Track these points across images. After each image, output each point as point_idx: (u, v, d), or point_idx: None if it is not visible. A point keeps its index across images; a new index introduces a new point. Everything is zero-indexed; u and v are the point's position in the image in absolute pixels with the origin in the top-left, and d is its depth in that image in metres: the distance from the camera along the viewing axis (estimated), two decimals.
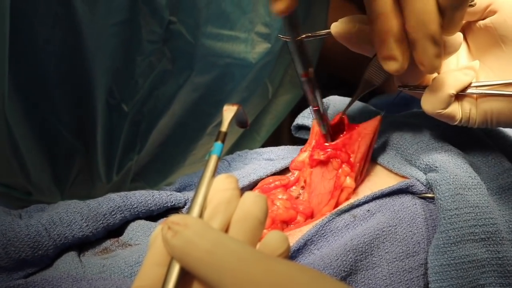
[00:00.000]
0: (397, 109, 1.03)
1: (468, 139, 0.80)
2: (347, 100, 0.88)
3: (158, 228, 0.49)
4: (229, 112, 0.56)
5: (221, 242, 0.45)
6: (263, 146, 1.27)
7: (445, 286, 0.67)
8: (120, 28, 0.92)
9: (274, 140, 1.32)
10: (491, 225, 0.68)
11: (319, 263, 0.65)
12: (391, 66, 0.66)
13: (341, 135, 0.78)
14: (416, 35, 0.63)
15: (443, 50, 0.66)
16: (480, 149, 0.79)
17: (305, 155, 0.78)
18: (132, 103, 1.01)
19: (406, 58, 0.65)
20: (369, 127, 0.76)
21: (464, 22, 0.73)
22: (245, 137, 1.23)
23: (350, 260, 0.66)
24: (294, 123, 0.94)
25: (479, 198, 0.70)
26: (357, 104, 0.90)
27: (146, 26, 0.94)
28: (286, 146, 0.91)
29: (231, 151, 1.22)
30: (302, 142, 0.87)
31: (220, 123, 0.55)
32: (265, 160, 0.88)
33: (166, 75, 1.01)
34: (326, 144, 0.77)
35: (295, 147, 0.90)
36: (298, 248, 0.69)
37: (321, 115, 0.75)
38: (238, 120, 0.58)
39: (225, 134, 0.54)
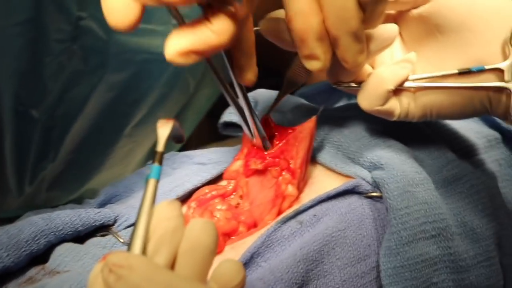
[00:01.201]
0: (326, 96, 1.00)
1: (409, 131, 0.78)
2: (274, 93, 0.84)
3: (97, 268, 0.44)
4: (164, 129, 0.51)
5: (173, 286, 0.41)
6: (186, 144, 1.21)
7: None
8: (24, 28, 0.85)
9: (196, 137, 1.27)
10: (441, 221, 0.67)
11: (268, 277, 0.61)
12: (313, 65, 0.63)
13: (276, 141, 0.73)
14: (337, 32, 0.60)
15: (365, 45, 0.63)
16: (422, 141, 0.77)
17: (238, 164, 0.74)
18: (42, 108, 0.94)
19: (328, 56, 0.63)
20: (304, 130, 0.72)
21: (396, 12, 0.71)
22: None
23: (301, 270, 0.63)
24: (221, 120, 0.89)
25: (427, 193, 0.68)
26: (287, 98, 0.86)
27: (52, 23, 0.87)
28: (217, 148, 0.86)
29: (151, 151, 1.16)
30: (227, 138, 0.82)
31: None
32: (196, 164, 0.83)
33: (78, 75, 0.94)
34: (264, 152, 0.72)
35: (228, 148, 0.85)
36: (245, 262, 0.64)
37: (251, 123, 0.70)
38: (173, 135, 0.53)
39: (162, 154, 0.49)
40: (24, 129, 0.94)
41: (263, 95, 0.87)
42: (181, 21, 0.58)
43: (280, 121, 0.80)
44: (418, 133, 0.78)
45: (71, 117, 0.98)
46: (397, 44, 0.71)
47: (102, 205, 0.83)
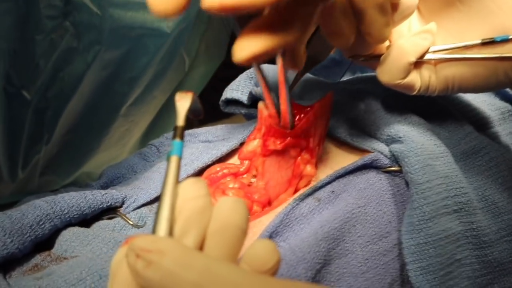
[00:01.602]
0: (327, 71, 0.97)
1: (423, 103, 0.75)
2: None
3: (120, 253, 0.40)
4: (183, 102, 0.48)
5: (210, 270, 0.37)
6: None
7: (424, 266, 0.62)
8: (13, 4, 0.81)
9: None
10: (463, 195, 0.65)
11: (290, 257, 0.58)
12: (338, 42, 0.60)
13: (296, 121, 0.69)
14: (362, 5, 0.58)
15: (391, 17, 0.61)
16: (437, 113, 0.75)
17: (255, 144, 0.70)
18: (35, 89, 0.90)
19: (353, 31, 0.60)
20: (323, 107, 0.68)
21: None
22: (160, 116, 1.15)
23: (323, 249, 0.60)
24: (223, 97, 0.86)
25: (448, 167, 0.66)
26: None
27: None
28: (223, 126, 0.83)
29: (146, 133, 1.13)
30: (225, 116, 0.79)
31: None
32: (202, 142, 0.80)
33: (71, 53, 0.91)
34: (282, 129, 0.68)
35: (233, 125, 0.82)
36: None
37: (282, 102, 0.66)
38: (192, 109, 0.49)
39: (183, 129, 0.46)
40: (15, 111, 0.91)
41: (269, 70, 0.84)
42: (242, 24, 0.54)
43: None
44: (432, 105, 0.76)
45: (65, 97, 0.95)
46: (414, 15, 0.68)
47: (104, 187, 0.80)
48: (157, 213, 0.42)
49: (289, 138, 0.66)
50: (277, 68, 0.61)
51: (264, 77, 0.63)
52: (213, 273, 0.37)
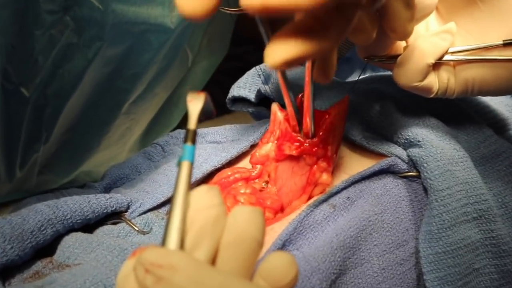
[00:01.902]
0: (339, 68, 0.95)
1: (440, 104, 0.73)
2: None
3: (127, 266, 0.38)
4: (195, 103, 0.46)
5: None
6: (182, 121, 1.17)
7: (442, 277, 0.61)
8: None
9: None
10: (483, 202, 0.63)
11: (304, 267, 0.56)
12: (360, 38, 0.58)
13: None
14: None
15: (414, 12, 0.58)
16: (455, 116, 0.73)
17: (268, 147, 0.67)
18: (33, 86, 0.87)
19: (375, 27, 0.58)
20: (340, 113, 0.66)
21: None
22: (161, 112, 1.12)
23: (339, 259, 0.58)
24: (230, 95, 0.83)
25: (467, 172, 0.64)
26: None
27: None
28: (231, 126, 0.80)
29: (146, 132, 1.10)
30: (227, 111, 0.76)
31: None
32: (210, 143, 0.77)
33: (71, 49, 0.87)
34: (299, 137, 0.65)
35: (243, 126, 0.79)
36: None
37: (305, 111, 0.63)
38: (204, 111, 0.47)
39: (195, 132, 0.44)
40: (13, 108, 0.87)
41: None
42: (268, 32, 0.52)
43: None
44: (450, 107, 0.74)
45: (65, 95, 0.91)
46: (432, 14, 0.66)
47: (107, 188, 0.77)
48: (167, 224, 0.40)
49: (306, 144, 0.64)
50: (305, 76, 0.59)
51: (286, 81, 0.60)
52: None
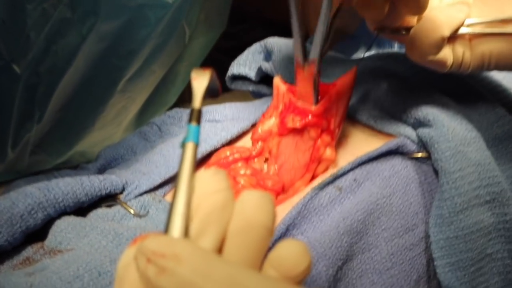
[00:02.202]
0: (343, 45, 0.92)
1: (452, 83, 0.70)
2: (289, 42, 0.76)
3: (127, 255, 0.35)
4: (201, 81, 0.44)
5: (234, 280, 0.32)
6: (179, 99, 1.14)
7: (453, 262, 0.58)
8: None
9: (189, 93, 1.18)
10: (496, 185, 0.60)
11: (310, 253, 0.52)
12: (371, 13, 0.56)
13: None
14: None
15: None
16: (467, 94, 0.70)
17: (271, 123, 0.64)
18: (25, 63, 0.84)
19: (388, 2, 0.56)
20: (346, 84, 0.63)
21: None
22: (157, 91, 1.09)
23: (345, 244, 0.56)
24: (229, 73, 0.81)
25: (480, 154, 0.61)
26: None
27: None
28: (231, 104, 0.77)
29: (141, 111, 1.07)
30: (225, 90, 0.74)
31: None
32: (208, 121, 0.74)
33: (65, 25, 0.84)
34: (303, 106, 0.62)
35: (243, 104, 0.76)
36: (280, 236, 0.57)
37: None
38: (209, 89, 0.44)
39: (200, 111, 0.42)
40: (4, 86, 0.85)
41: (279, 44, 0.78)
42: None
43: None
44: (461, 85, 0.71)
45: (58, 72, 0.88)
46: None
47: (101, 170, 0.74)
48: (170, 209, 0.37)
49: (310, 116, 0.61)
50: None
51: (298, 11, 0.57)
52: (237, 284, 0.32)
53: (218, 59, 1.13)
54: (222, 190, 0.37)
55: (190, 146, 0.39)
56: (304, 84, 0.61)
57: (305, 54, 0.60)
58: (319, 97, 0.62)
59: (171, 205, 0.37)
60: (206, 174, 0.38)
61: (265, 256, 0.37)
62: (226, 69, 0.82)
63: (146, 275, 0.33)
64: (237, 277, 0.32)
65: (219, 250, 0.37)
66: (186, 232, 0.36)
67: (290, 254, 0.35)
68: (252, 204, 0.37)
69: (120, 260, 0.36)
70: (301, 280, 0.36)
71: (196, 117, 0.41)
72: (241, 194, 0.37)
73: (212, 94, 0.46)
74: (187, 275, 0.32)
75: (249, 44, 0.85)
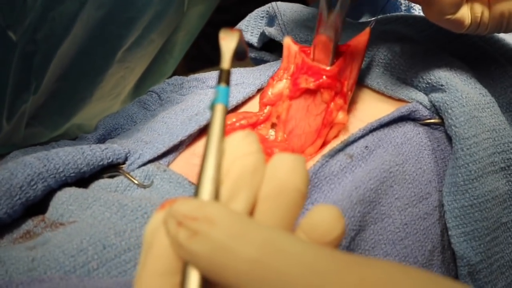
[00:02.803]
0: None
1: (464, 46, 0.68)
2: (299, 7, 0.73)
3: (156, 219, 0.34)
4: (229, 41, 0.42)
5: (271, 244, 0.31)
6: (177, 70, 1.12)
7: (469, 232, 0.57)
8: None
9: (188, 61, 1.16)
10: (511, 151, 0.59)
11: None
12: None
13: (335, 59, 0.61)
14: None
15: None
16: (480, 58, 0.68)
17: (282, 85, 0.62)
18: (22, 30, 0.81)
19: None
20: (360, 44, 0.60)
21: None
22: (155, 61, 1.07)
23: (358, 214, 0.54)
24: None
25: (494, 119, 0.59)
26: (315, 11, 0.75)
27: None
28: (234, 69, 0.75)
29: (141, 80, 1.05)
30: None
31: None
32: (211, 88, 0.72)
33: None
34: (315, 67, 0.60)
35: (247, 69, 0.74)
36: None
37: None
38: (237, 50, 0.43)
39: (229, 72, 0.40)
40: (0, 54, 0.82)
41: (285, 8, 0.75)
42: None
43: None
44: (474, 49, 0.68)
45: (56, 40, 0.86)
46: None
47: (101, 140, 0.72)
48: (200, 173, 0.36)
49: (325, 77, 0.58)
50: None
51: None
52: (275, 247, 0.30)
53: (209, 33, 1.10)
54: (253, 153, 0.36)
55: (219, 108, 0.38)
56: (322, 44, 0.59)
57: (330, 3, 0.58)
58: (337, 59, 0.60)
59: (201, 169, 0.36)
60: (236, 137, 0.37)
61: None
62: (219, 43, 0.81)
63: (177, 239, 0.31)
64: (273, 239, 0.31)
65: (251, 214, 0.35)
66: (216, 196, 0.35)
67: (324, 220, 0.34)
68: (285, 167, 0.35)
69: (147, 225, 0.35)
70: (335, 246, 0.34)
71: (225, 78, 0.40)
72: (273, 157, 0.36)
73: (240, 57, 0.45)
74: (221, 238, 0.30)
75: (241, 18, 0.83)
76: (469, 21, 0.57)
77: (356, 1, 0.62)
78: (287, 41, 0.62)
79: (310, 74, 0.59)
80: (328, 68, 0.59)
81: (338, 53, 0.60)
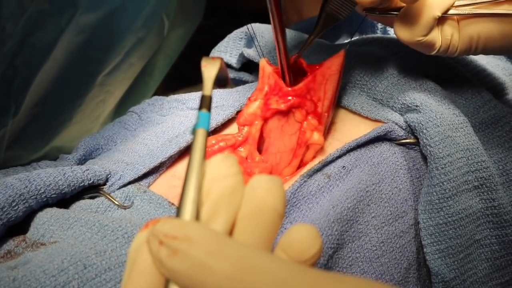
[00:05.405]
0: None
1: (437, 67, 0.70)
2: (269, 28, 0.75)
3: (139, 238, 0.36)
4: (210, 68, 0.45)
5: (246, 260, 0.32)
6: (159, 88, 1.15)
7: (443, 249, 0.58)
8: None
9: (168, 82, 1.17)
10: (484, 170, 0.60)
11: None
12: None
13: (302, 78, 0.63)
14: None
15: None
16: (453, 79, 0.70)
17: (256, 105, 0.63)
18: (1, 55, 0.82)
19: None
20: (333, 65, 0.62)
21: None
22: (135, 83, 1.08)
23: (336, 233, 0.55)
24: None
25: (468, 139, 0.61)
26: (293, 34, 0.76)
27: None
28: (214, 91, 0.75)
29: (121, 103, 1.06)
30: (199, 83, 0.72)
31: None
32: (191, 110, 0.73)
33: (43, 16, 0.82)
34: (288, 89, 0.62)
35: (227, 91, 0.75)
36: None
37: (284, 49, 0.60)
38: (218, 77, 0.45)
39: (211, 99, 0.43)
40: None
41: (260, 30, 0.77)
42: None
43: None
44: (446, 69, 0.70)
45: (35, 65, 0.86)
46: None
47: (82, 160, 0.72)
48: (182, 194, 0.38)
49: (293, 97, 0.60)
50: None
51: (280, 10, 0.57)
52: (249, 264, 0.32)
53: (189, 55, 1.12)
54: (232, 175, 0.37)
55: (200, 133, 0.40)
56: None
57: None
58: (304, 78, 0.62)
59: (183, 190, 0.37)
60: (216, 160, 0.38)
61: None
62: (199, 64, 0.82)
63: (159, 257, 0.33)
64: (249, 257, 0.32)
65: (230, 234, 0.37)
66: (197, 216, 0.36)
67: (301, 238, 0.35)
68: (262, 188, 0.37)
69: (132, 244, 0.36)
70: (312, 264, 0.35)
71: (207, 104, 0.42)
72: (251, 178, 0.38)
73: (221, 84, 0.47)
74: (198, 256, 0.32)
75: (221, 39, 0.85)
76: (440, 43, 0.59)
77: (331, 26, 0.64)
78: (263, 62, 0.64)
79: (280, 95, 0.61)
80: (295, 87, 0.61)
81: (310, 72, 0.62)
